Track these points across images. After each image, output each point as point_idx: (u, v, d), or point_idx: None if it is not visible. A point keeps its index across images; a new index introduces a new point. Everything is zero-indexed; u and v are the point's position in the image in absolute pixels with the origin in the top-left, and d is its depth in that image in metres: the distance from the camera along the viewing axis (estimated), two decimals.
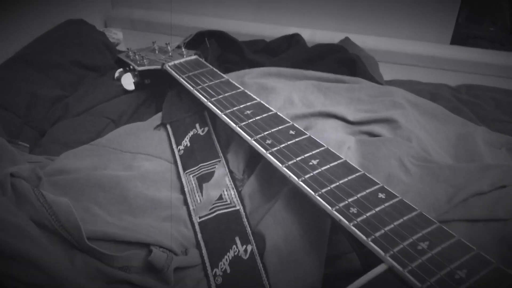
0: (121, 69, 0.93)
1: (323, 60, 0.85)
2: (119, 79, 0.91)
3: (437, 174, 0.65)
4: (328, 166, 0.53)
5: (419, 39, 1.08)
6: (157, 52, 0.94)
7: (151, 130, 0.74)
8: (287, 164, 0.54)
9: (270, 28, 1.13)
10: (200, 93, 0.71)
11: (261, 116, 0.64)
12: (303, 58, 0.86)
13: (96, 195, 0.58)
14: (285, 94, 0.74)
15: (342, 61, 0.85)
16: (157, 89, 0.90)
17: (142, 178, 0.63)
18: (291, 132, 0.60)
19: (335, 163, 0.54)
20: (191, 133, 0.71)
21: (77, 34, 0.97)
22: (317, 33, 1.08)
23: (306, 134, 0.60)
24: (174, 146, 0.70)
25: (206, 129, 0.72)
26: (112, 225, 0.53)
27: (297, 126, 0.62)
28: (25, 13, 0.98)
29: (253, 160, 0.66)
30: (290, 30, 1.09)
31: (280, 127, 0.61)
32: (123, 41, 1.11)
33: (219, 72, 0.77)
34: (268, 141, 0.58)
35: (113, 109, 0.83)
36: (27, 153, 0.70)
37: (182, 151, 0.69)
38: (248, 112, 0.65)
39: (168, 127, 0.74)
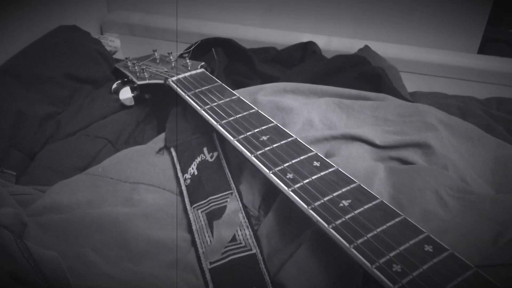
0: (119, 81, 0.87)
1: (344, 73, 0.79)
2: (116, 92, 0.85)
3: (478, 207, 0.59)
4: (362, 208, 0.47)
5: (444, 48, 1.01)
6: (158, 61, 0.88)
7: (153, 155, 0.67)
8: (313, 206, 0.47)
9: (281, 35, 1.06)
10: (209, 114, 0.65)
11: (279, 143, 0.57)
12: (322, 72, 0.79)
13: (91, 238, 0.52)
14: (304, 115, 0.67)
15: (365, 75, 0.78)
16: (159, 104, 0.83)
17: (144, 215, 0.56)
18: (315, 163, 0.54)
19: (370, 204, 0.47)
20: (198, 159, 0.65)
21: (70, 43, 0.90)
22: (333, 41, 1.01)
23: (333, 167, 0.53)
24: (179, 174, 0.64)
25: (215, 154, 0.66)
26: (109, 277, 0.47)
27: (321, 156, 0.55)
28: (12, 20, 0.91)
29: (270, 193, 0.60)
30: (303, 37, 1.02)
31: (302, 157, 0.55)
32: (120, 49, 1.04)
33: (229, 88, 0.71)
34: (289, 175, 0.52)
35: (110, 128, 0.77)
36: (13, 183, 0.63)
37: (188, 181, 0.62)
38: (264, 138, 0.59)
39: (172, 151, 0.67)
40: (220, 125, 0.62)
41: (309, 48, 0.91)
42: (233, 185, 0.60)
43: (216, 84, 0.73)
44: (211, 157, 0.65)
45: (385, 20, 1.01)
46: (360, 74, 0.78)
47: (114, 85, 0.87)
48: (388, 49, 0.99)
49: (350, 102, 0.72)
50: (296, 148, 0.57)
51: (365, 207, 0.47)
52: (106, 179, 0.62)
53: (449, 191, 0.61)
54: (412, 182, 0.60)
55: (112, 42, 1.03)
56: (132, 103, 0.83)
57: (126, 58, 0.88)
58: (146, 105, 0.84)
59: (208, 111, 0.65)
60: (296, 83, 0.74)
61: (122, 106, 0.83)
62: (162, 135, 0.71)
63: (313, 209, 0.47)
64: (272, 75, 0.83)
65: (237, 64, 0.90)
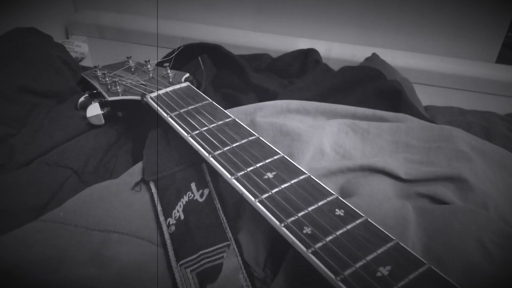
0: (86, 95, 0.75)
1: (356, 89, 0.69)
2: (83, 107, 0.73)
3: None
4: (407, 279, 0.37)
5: (458, 56, 0.92)
6: (133, 70, 0.77)
7: (128, 192, 0.56)
8: (343, 276, 0.37)
9: (274, 40, 0.96)
10: (198, 142, 0.54)
11: (289, 183, 0.47)
12: (330, 86, 0.69)
13: None
14: (314, 142, 0.57)
15: (382, 92, 0.68)
16: (135, 124, 0.72)
17: (118, 278, 0.45)
18: (338, 212, 0.44)
19: (416, 273, 0.38)
20: (185, 199, 0.54)
21: (26, 49, 0.78)
22: (334, 47, 0.91)
23: (361, 217, 0.43)
24: (161, 218, 0.53)
25: (206, 192, 0.55)
26: None
27: (344, 201, 0.45)
28: None
29: (279, 246, 0.49)
30: (300, 43, 0.92)
31: (320, 203, 0.45)
32: (89, 55, 0.92)
33: (221, 108, 0.60)
34: (307, 230, 0.41)
35: (75, 154, 0.66)
36: None
37: (173, 227, 0.51)
38: (270, 175, 0.48)
39: (152, 186, 0.56)
40: (214, 157, 0.51)
41: (310, 57, 0.81)
42: (230, 235, 0.50)
43: (205, 102, 0.62)
44: (201, 195, 0.54)
45: (393, 25, 0.92)
46: (377, 90, 0.68)
47: (81, 99, 0.75)
48: (397, 57, 0.90)
49: (365, 124, 0.63)
50: (312, 189, 0.46)
51: (410, 277, 0.37)
52: (69, 227, 0.50)
53: (493, 237, 0.51)
54: (450, 228, 0.51)
55: (79, 47, 0.91)
56: (102, 121, 0.71)
57: (95, 67, 0.77)
58: (119, 125, 0.73)
59: (197, 139, 0.54)
60: (300, 100, 0.64)
61: (90, 125, 0.71)
62: (139, 165, 0.60)
63: (343, 281, 0.37)
64: (269, 89, 0.72)
65: (227, 74, 0.79)
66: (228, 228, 0.50)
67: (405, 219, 0.49)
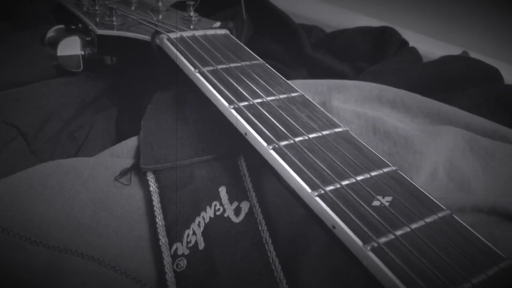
0: (59, 26, 0.55)
1: (467, 88, 0.49)
2: (53, 43, 0.53)
3: None
4: None
5: None
6: (134, 8, 0.56)
7: (107, 182, 0.35)
8: None
9: (326, 10, 0.77)
10: (249, 120, 0.33)
11: (423, 223, 0.27)
12: (429, 79, 0.50)
13: None
14: (431, 157, 0.37)
15: (501, 99, 0.50)
16: (130, 79, 0.51)
17: None
18: None
19: None
20: (208, 213, 0.33)
21: None
22: (406, 36, 0.72)
23: None
24: (162, 240, 0.32)
25: (245, 207, 0.34)
26: None
27: None
28: None
29: None
30: (360, 21, 0.74)
31: (490, 273, 0.25)
32: None
33: (280, 76, 0.40)
34: None
35: (28, 107, 0.46)
36: None
37: (183, 262, 0.31)
38: (383, 201, 0.28)
39: (151, 181, 0.35)
40: (277, 150, 0.31)
41: (390, 37, 0.61)
42: None
43: (255, 62, 0.41)
44: (237, 212, 0.34)
45: (486, 25, 0.74)
46: (492, 95, 0.49)
47: (51, 32, 0.55)
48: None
49: (488, 143, 0.44)
50: (465, 242, 0.27)
51: None
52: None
53: None
54: None
55: None
56: (79, 67, 0.51)
57: None
58: (104, 77, 0.52)
59: (248, 114, 0.34)
60: (397, 89, 0.44)
61: (59, 70, 0.51)
62: (132, 142, 0.39)
63: None
64: (335, 69, 0.53)
65: (269, 39, 0.58)
66: (285, 282, 0.30)
67: None
